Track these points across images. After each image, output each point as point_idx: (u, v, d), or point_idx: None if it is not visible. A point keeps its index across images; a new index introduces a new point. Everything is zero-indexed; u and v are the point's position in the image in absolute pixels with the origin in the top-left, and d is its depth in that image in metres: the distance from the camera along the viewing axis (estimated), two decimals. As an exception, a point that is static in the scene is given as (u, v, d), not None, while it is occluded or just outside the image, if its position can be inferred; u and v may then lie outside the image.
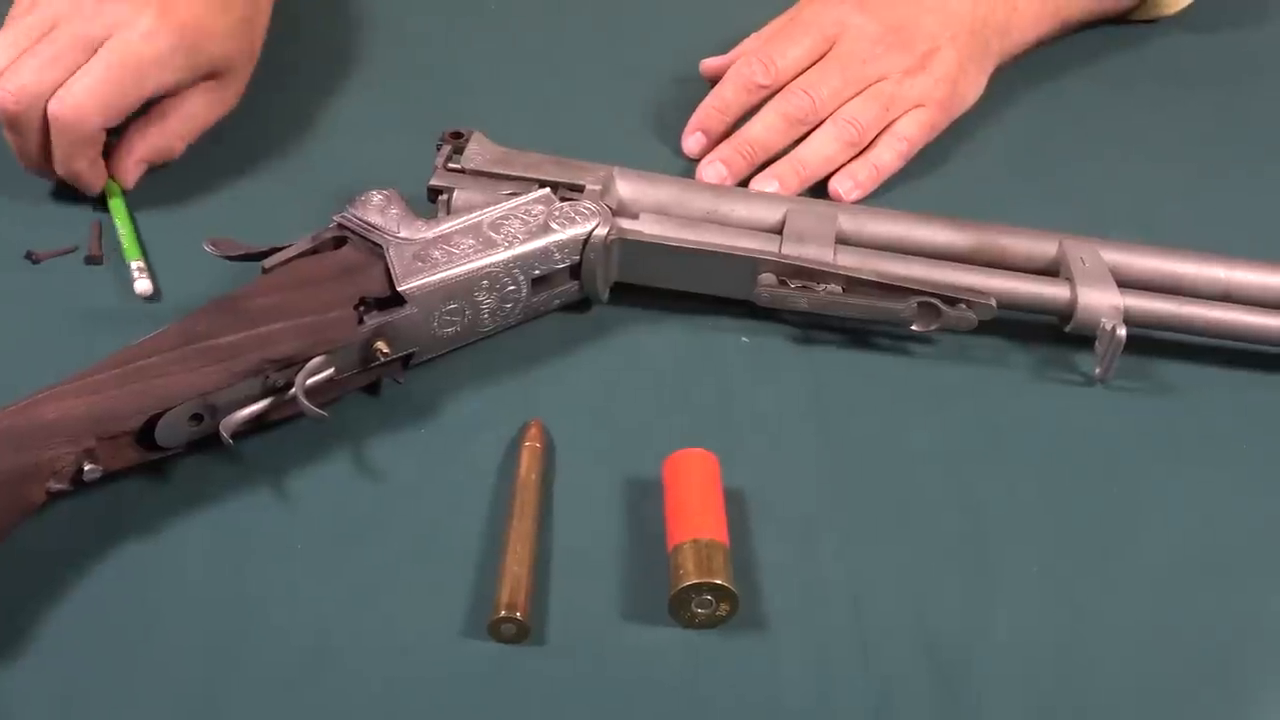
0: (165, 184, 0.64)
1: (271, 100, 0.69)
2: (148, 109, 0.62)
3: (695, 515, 0.49)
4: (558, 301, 0.58)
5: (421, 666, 0.46)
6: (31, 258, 0.59)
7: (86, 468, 0.47)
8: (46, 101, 0.58)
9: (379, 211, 0.55)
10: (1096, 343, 0.57)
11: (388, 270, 0.53)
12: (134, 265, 0.58)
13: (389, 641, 0.47)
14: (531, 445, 0.52)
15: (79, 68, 0.58)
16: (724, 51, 0.72)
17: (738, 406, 0.56)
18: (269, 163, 0.66)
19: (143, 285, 0.58)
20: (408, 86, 0.72)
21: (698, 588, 0.46)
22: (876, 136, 0.67)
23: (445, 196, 0.59)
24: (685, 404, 0.56)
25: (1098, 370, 0.57)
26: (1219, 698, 0.47)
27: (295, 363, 0.50)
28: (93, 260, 0.60)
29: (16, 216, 0.62)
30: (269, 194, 0.64)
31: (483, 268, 0.54)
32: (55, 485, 0.47)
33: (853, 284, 0.57)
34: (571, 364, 0.57)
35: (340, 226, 0.55)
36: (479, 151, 0.60)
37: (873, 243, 0.60)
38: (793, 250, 0.58)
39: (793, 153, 0.66)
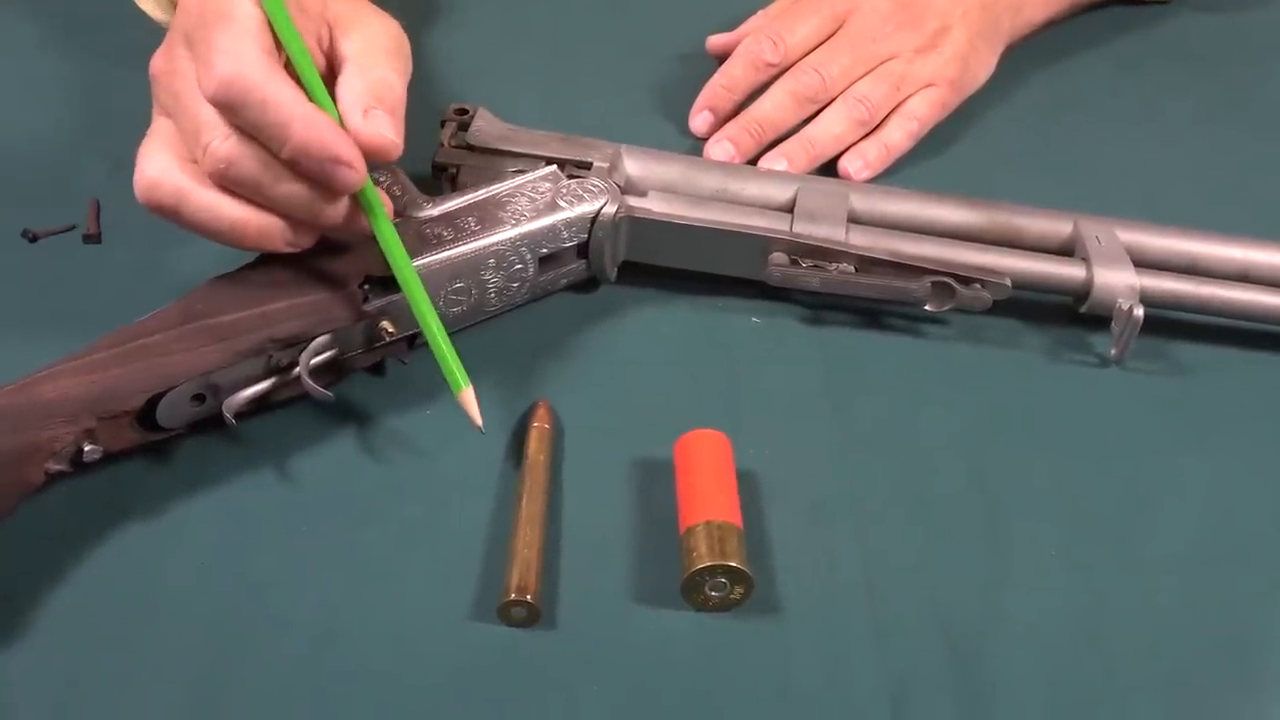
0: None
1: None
2: None
3: (708, 497, 0.48)
4: (565, 281, 0.57)
5: (430, 651, 0.45)
6: (29, 236, 0.58)
7: (86, 448, 0.46)
8: None
9: (383, 189, 0.54)
10: (1112, 323, 0.56)
11: (393, 248, 0.52)
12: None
13: (396, 625, 0.46)
14: (540, 426, 0.52)
15: None
16: (731, 28, 0.71)
17: (749, 387, 0.55)
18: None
19: None
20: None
21: (711, 570, 0.46)
22: (887, 116, 0.66)
23: (451, 173, 0.58)
24: (695, 385, 0.55)
25: (1113, 351, 0.56)
26: (1236, 679, 0.47)
27: (299, 342, 0.49)
28: (90, 239, 0.59)
29: (13, 195, 0.61)
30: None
31: (489, 246, 0.53)
32: (54, 466, 0.46)
33: (865, 263, 0.56)
34: (579, 344, 0.56)
35: (344, 204, 0.54)
36: (484, 128, 0.59)
37: (885, 222, 0.59)
38: (804, 229, 0.57)
39: (802, 131, 0.65)
